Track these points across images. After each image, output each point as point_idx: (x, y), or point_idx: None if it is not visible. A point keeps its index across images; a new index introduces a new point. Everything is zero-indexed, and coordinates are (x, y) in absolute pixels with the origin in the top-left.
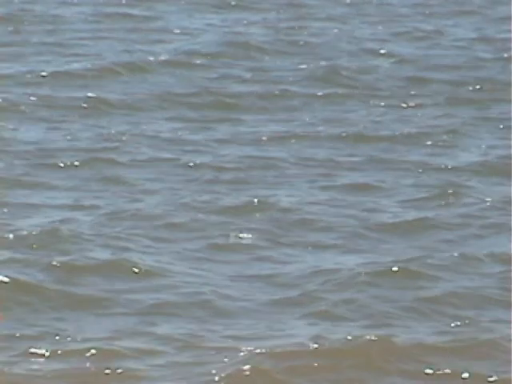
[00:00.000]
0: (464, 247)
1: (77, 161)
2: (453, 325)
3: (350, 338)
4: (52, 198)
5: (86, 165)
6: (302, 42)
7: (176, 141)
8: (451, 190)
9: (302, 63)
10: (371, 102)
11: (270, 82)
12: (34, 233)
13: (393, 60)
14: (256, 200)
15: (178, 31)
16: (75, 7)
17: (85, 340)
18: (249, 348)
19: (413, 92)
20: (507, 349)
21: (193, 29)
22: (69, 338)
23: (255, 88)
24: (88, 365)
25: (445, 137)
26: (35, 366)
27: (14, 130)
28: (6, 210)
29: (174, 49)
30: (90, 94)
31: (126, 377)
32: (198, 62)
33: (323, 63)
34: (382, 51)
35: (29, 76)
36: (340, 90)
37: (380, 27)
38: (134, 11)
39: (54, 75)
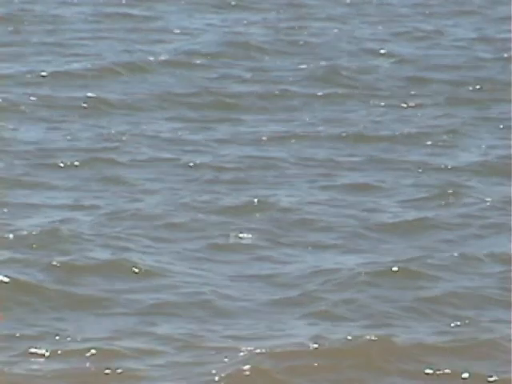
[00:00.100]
0: (464, 247)
1: (77, 161)
2: (453, 325)
3: (349, 338)
4: (52, 197)
5: (86, 165)
6: (301, 42)
7: (176, 141)
8: (451, 189)
9: (301, 63)
10: (371, 102)
11: (270, 81)
12: (33, 233)
13: (393, 60)
14: (256, 200)
15: (178, 31)
16: (75, 7)
17: (85, 340)
18: (249, 348)
19: (413, 92)
20: (507, 349)
21: (193, 29)
22: (69, 338)
23: (255, 88)
24: (88, 365)
25: (445, 137)
26: (35, 366)
27: (13, 129)
28: (5, 210)
29: (173, 49)
30: (89, 94)
31: (125, 377)
32: (198, 62)
33: (323, 63)
34: (382, 51)
35: (29, 76)
36: (340, 90)
37: (380, 27)
38: (134, 11)
39: (53, 75)
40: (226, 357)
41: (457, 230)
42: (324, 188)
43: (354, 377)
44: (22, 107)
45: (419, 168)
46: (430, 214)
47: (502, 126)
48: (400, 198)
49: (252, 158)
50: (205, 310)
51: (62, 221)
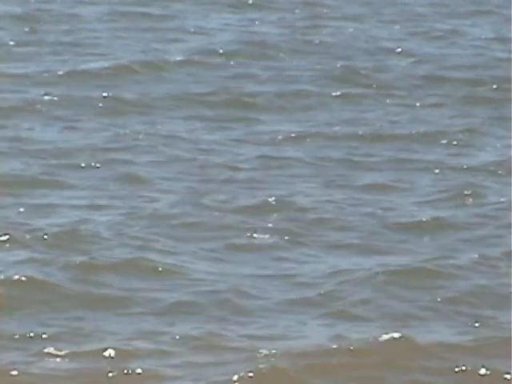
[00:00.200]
0: (481, 247)
1: (94, 160)
2: (471, 324)
3: (368, 337)
4: (69, 197)
5: (103, 164)
6: (318, 42)
7: (192, 140)
8: (468, 189)
9: (318, 62)
10: (388, 101)
11: (287, 81)
12: (51, 232)
13: (409, 59)
14: (273, 199)
15: (195, 30)
16: (91, 6)
17: (102, 340)
18: (267, 348)
19: (429, 91)
20: None
21: (209, 28)
22: (86, 338)
23: (271, 87)
24: (105, 365)
25: (461, 136)
26: (52, 366)
27: (30, 129)
28: (22, 210)
29: (190, 48)
30: (106, 94)
31: (143, 377)
32: (215, 61)
33: (340, 63)
34: (399, 50)
35: (45, 75)
36: (356, 90)
37: (397, 26)
38: (151, 10)
39: (70, 75)
40: (244, 356)
41: (474, 229)
42: (341, 188)
43: (374, 375)
44: (38, 107)
45: (436, 168)
46: (446, 213)
47: None
48: (417, 198)
49: (268, 157)
50: (223, 310)
51: (79, 220)
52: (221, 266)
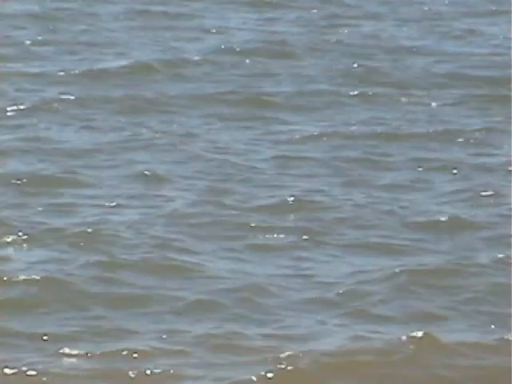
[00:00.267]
0: (501, 246)
1: (112, 159)
2: (491, 322)
3: (390, 336)
4: (88, 196)
5: (122, 163)
6: (336, 40)
7: (211, 139)
8: (487, 188)
9: (336, 62)
10: (406, 100)
11: (305, 80)
12: (70, 231)
13: (427, 58)
14: (291, 199)
15: (213, 29)
16: (109, 5)
17: (122, 339)
18: (287, 348)
19: (447, 90)
20: None
21: (227, 27)
22: (106, 337)
23: (290, 87)
24: (125, 364)
25: (480, 135)
26: (71, 366)
27: (47, 129)
28: (41, 209)
29: (208, 47)
30: (124, 93)
31: (163, 377)
32: (233, 60)
33: (358, 62)
34: (417, 49)
35: (62, 75)
36: (374, 89)
37: (414, 25)
38: (168, 9)
39: (87, 74)
40: (264, 357)
41: (493, 228)
42: (359, 187)
43: (397, 374)
44: (56, 106)
45: (454, 167)
46: (465, 213)
47: None
48: (435, 197)
49: (286, 156)
50: (242, 309)
51: (98, 219)
52: (240, 265)
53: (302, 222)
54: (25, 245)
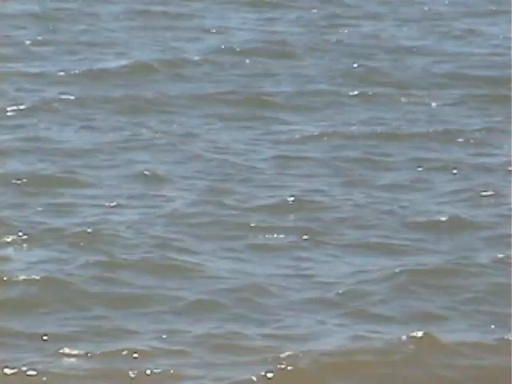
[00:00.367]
0: (500, 246)
1: (112, 159)
2: (491, 322)
3: (390, 336)
4: (88, 196)
5: (122, 163)
6: (336, 40)
7: (211, 139)
8: (486, 188)
9: (336, 61)
10: (405, 100)
11: (305, 80)
12: (70, 231)
13: (427, 58)
14: (291, 199)
15: (213, 29)
16: (109, 5)
17: (122, 339)
18: (287, 348)
19: (447, 90)
20: None
21: (227, 27)
22: (106, 337)
23: (289, 87)
24: (125, 364)
25: (480, 135)
26: (71, 366)
27: (47, 128)
28: (41, 209)
29: (208, 47)
30: (124, 93)
31: (163, 377)
32: (233, 60)
33: (358, 62)
34: (417, 49)
35: (62, 75)
36: (374, 89)
37: (414, 25)
38: (168, 9)
39: (87, 74)
40: (264, 357)
41: (493, 228)
42: (359, 187)
43: (397, 374)
44: (56, 106)
45: (454, 167)
46: (465, 212)
47: None
48: (435, 197)
49: (286, 156)
50: (242, 309)
51: (98, 219)
52: (240, 264)
53: (302, 221)
54: (25, 245)
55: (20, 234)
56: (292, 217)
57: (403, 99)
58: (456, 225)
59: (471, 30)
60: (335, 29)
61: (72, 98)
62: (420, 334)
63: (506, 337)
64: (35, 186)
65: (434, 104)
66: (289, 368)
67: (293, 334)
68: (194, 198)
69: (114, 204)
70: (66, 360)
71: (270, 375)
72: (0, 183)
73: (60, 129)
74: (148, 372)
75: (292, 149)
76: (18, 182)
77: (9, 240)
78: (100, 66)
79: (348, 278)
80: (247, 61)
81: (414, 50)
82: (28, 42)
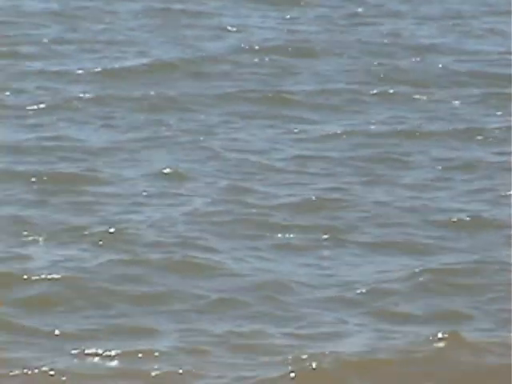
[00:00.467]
0: None
1: (132, 158)
2: None
3: (413, 335)
4: (109, 195)
5: (142, 162)
6: (356, 39)
7: (231, 137)
8: (508, 187)
9: (357, 60)
10: (426, 98)
11: (325, 79)
12: (91, 230)
13: (448, 57)
14: (313, 198)
15: (233, 28)
16: (128, 3)
17: (143, 338)
18: (310, 347)
19: (468, 88)
20: None
21: (247, 25)
22: (127, 336)
23: (310, 85)
24: (146, 364)
25: (501, 134)
26: (91, 365)
27: (67, 127)
28: (61, 208)
29: (228, 45)
30: (143, 91)
31: (185, 376)
32: (253, 58)
33: (378, 60)
34: (438, 48)
35: (82, 73)
36: (395, 87)
37: (435, 24)
38: (187, 7)
39: (106, 72)
40: (285, 356)
41: None
42: (380, 186)
43: (421, 372)
44: (76, 104)
45: (475, 165)
46: (487, 211)
47: None
48: (457, 196)
49: (307, 155)
50: (264, 308)
51: (119, 218)
52: (262, 263)
53: (324, 220)
54: (45, 243)
55: (41, 232)
56: (313, 215)
57: (423, 98)
58: (477, 223)
59: (491, 29)
60: (356, 27)
61: (92, 96)
62: (444, 332)
63: None
64: (56, 184)
65: (454, 102)
66: (311, 367)
67: (315, 332)
68: (214, 196)
69: (134, 202)
70: (87, 359)
71: (292, 375)
72: (21, 182)
73: (80, 127)
74: (169, 371)
75: (313, 147)
76: (39, 180)
77: (30, 239)
78: (120, 64)
79: (370, 276)
80: (267, 59)
81: (435, 48)
82: (48, 41)
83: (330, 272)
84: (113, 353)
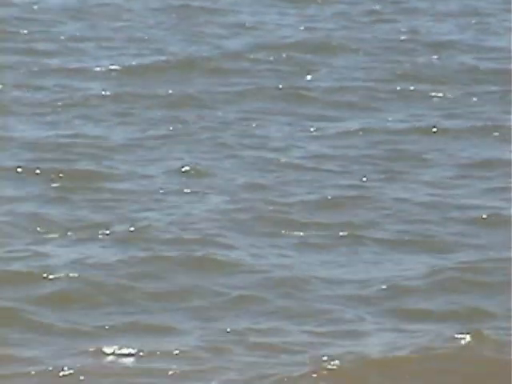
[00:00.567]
0: None
1: (150, 155)
2: None
3: (435, 333)
4: (127, 192)
5: (160, 159)
6: (375, 36)
7: (249, 134)
8: None
9: (374, 57)
10: (444, 95)
11: (343, 76)
12: (110, 227)
13: (467, 54)
14: (331, 195)
15: (251, 25)
16: (147, 1)
17: (163, 336)
18: (330, 344)
19: (487, 86)
20: None
21: (265, 22)
22: (147, 334)
23: (328, 82)
24: (164, 362)
25: None
26: (110, 363)
27: (85, 124)
28: (80, 205)
29: (246, 42)
30: (162, 88)
31: (204, 374)
32: (271, 55)
33: (397, 57)
34: (456, 45)
35: (99, 70)
36: (414, 85)
37: (454, 21)
38: (205, 4)
39: (125, 69)
40: (305, 354)
41: None
42: (399, 183)
43: (445, 369)
44: (94, 101)
45: (494, 163)
46: (505, 208)
47: None
48: (475, 193)
49: (325, 152)
50: (284, 305)
51: (138, 215)
52: (281, 260)
53: (342, 217)
54: (65, 240)
55: (60, 229)
56: (331, 213)
57: (441, 95)
58: (497, 221)
59: (509, 26)
60: (373, 24)
61: (110, 93)
62: (465, 330)
63: None
64: (74, 181)
65: (472, 99)
66: (331, 365)
67: (335, 330)
68: (233, 193)
69: (153, 199)
70: (106, 357)
71: (312, 372)
72: (39, 179)
73: (98, 124)
74: (188, 369)
75: (330, 144)
76: (58, 177)
77: (49, 236)
78: (138, 61)
79: (389, 273)
80: (285, 56)
81: (453, 45)
82: (66, 38)
83: (349, 269)
84: (131, 350)
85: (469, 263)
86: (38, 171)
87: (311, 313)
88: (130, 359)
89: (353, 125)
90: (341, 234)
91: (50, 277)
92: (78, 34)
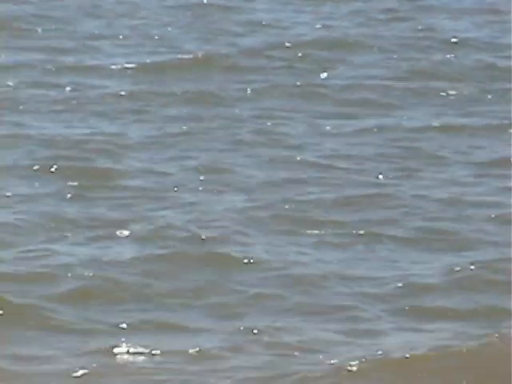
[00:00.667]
0: None
1: (167, 152)
2: None
3: (454, 332)
4: (144, 189)
5: (177, 156)
6: (391, 34)
7: (267, 132)
8: None
9: (390, 55)
10: (460, 93)
11: (359, 74)
12: (127, 225)
13: (483, 52)
14: (348, 193)
15: (267, 22)
16: None
17: (178, 334)
18: (348, 343)
19: (502, 83)
20: None
21: (281, 20)
22: (162, 333)
23: (344, 80)
24: (181, 360)
25: None
26: (124, 362)
27: (101, 122)
28: (97, 203)
29: (262, 40)
30: (178, 86)
31: (222, 373)
32: (287, 53)
33: (412, 55)
34: (472, 43)
35: (116, 68)
36: (429, 82)
37: (470, 18)
38: (219, 2)
39: (141, 67)
40: (323, 353)
41: None
42: (415, 181)
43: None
44: (110, 99)
45: (508, 161)
46: None
47: None
48: (492, 191)
49: (341, 151)
50: (302, 303)
51: (155, 213)
52: (299, 258)
53: (360, 215)
54: (82, 238)
55: (77, 227)
56: (349, 211)
57: (458, 92)
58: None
59: None
60: (390, 22)
61: (126, 91)
62: (484, 328)
63: None
64: (91, 179)
65: (488, 97)
66: (350, 364)
67: (353, 328)
68: (250, 191)
69: (171, 196)
70: (123, 355)
71: (331, 372)
72: (56, 177)
73: (114, 122)
74: (205, 368)
75: (347, 142)
76: (74, 175)
77: (66, 234)
78: (153, 59)
79: (407, 271)
80: (301, 54)
81: (469, 43)
82: (82, 36)
83: (366, 267)
84: (148, 349)
85: (486, 261)
86: (54, 169)
87: (328, 311)
88: (147, 357)
89: (369, 123)
90: (358, 231)
91: (68, 275)
92: (93, 32)
